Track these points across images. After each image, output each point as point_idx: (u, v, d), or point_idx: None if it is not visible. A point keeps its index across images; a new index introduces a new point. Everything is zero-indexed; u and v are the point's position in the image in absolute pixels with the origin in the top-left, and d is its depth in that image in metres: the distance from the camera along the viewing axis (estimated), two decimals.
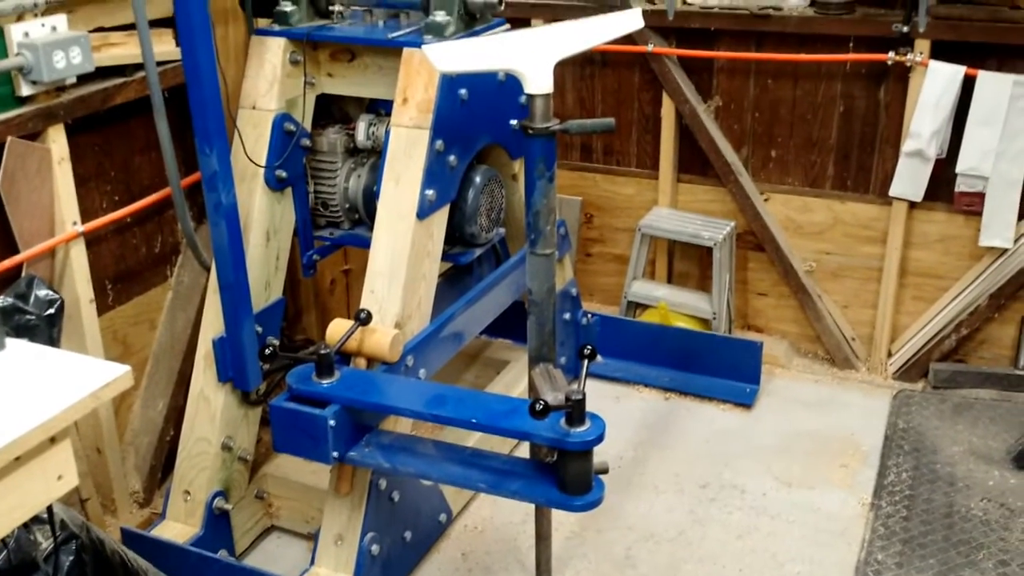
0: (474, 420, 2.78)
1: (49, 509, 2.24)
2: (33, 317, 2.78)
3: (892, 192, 4.22)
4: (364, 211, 3.56)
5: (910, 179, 4.15)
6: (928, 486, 3.72)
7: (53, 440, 1.80)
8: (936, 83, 3.97)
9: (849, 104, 4.29)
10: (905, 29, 3.97)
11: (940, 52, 3.99)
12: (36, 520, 2.38)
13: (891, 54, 4.05)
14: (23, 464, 1.75)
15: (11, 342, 1.99)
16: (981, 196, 4.05)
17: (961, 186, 4.08)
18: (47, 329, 2.81)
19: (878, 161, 4.32)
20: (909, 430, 4.04)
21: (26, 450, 1.73)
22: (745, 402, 4.27)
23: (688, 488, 3.78)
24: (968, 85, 3.94)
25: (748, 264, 4.68)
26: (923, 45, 3.99)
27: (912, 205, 4.24)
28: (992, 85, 3.91)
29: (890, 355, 4.47)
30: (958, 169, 4.05)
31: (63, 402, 1.79)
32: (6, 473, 1.72)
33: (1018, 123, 3.92)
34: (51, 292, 2.88)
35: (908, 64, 4.03)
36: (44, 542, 2.50)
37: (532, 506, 3.10)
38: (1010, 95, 3.90)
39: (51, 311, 2.84)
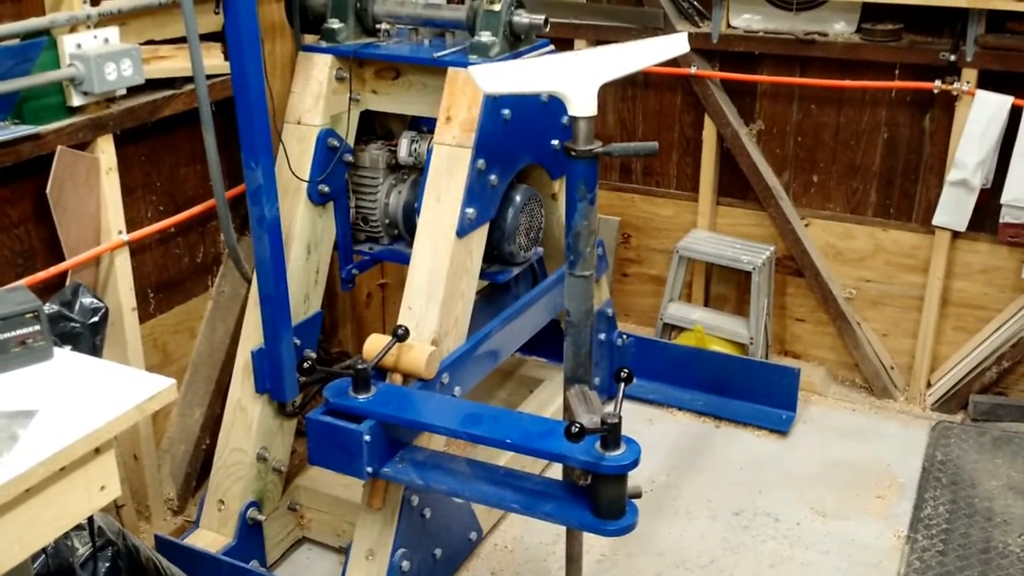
0: (509, 440, 2.78)
1: (89, 517, 2.27)
2: (78, 325, 2.81)
3: (935, 221, 4.17)
4: (404, 227, 3.58)
5: (954, 209, 4.11)
6: (965, 520, 3.66)
7: (98, 451, 1.83)
8: (983, 113, 3.93)
9: (893, 131, 4.26)
10: (952, 58, 3.94)
11: (987, 82, 3.94)
12: (75, 526, 2.41)
13: (937, 82, 4.01)
14: (68, 474, 1.77)
15: (58, 352, 2.02)
16: None
17: (1006, 217, 4.03)
18: (91, 337, 2.84)
19: (922, 189, 4.27)
20: (947, 463, 3.99)
21: (71, 460, 1.75)
22: (781, 429, 4.23)
23: (721, 515, 3.75)
24: (1015, 115, 3.90)
25: (787, 289, 4.64)
26: (970, 74, 3.95)
27: (955, 235, 4.19)
28: None
29: (929, 385, 4.41)
30: (1003, 200, 4.00)
31: (108, 414, 1.81)
32: (51, 483, 1.74)
33: None
34: (96, 300, 2.90)
35: (954, 93, 3.99)
36: (81, 548, 2.53)
37: (563, 527, 3.09)
38: None
39: (95, 319, 2.87)
